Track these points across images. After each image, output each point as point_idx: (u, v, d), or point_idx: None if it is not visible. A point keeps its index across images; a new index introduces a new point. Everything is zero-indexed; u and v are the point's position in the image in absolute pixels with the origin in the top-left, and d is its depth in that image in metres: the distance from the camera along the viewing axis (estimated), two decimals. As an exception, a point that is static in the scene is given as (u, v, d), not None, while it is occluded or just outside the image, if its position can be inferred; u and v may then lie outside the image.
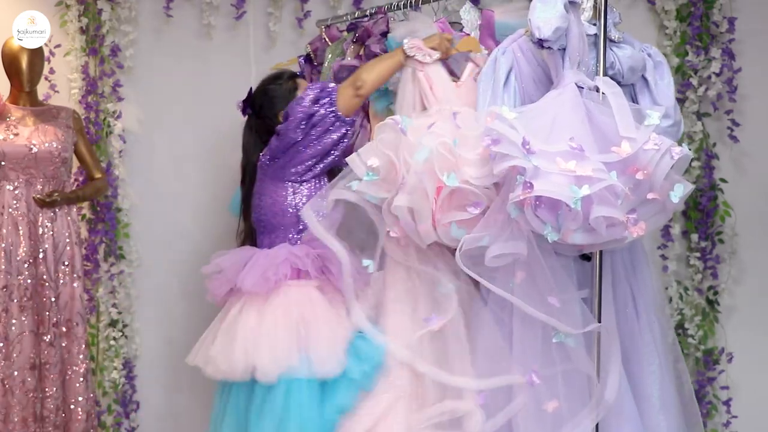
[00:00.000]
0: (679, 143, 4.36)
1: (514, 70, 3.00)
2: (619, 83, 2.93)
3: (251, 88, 3.40)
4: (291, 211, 3.18)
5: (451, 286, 3.00)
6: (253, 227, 3.33)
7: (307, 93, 3.16)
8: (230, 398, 3.13)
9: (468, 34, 3.36)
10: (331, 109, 3.12)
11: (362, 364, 2.98)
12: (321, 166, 3.20)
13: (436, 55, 3.14)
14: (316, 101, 3.12)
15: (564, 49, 2.85)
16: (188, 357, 3.25)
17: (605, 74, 2.90)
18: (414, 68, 3.15)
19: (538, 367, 2.90)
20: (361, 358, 2.99)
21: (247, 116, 3.39)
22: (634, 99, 3.08)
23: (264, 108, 3.32)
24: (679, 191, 2.73)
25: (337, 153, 3.19)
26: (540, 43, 2.81)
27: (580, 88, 2.85)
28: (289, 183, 3.19)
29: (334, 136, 3.15)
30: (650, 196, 2.73)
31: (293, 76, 3.39)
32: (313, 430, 2.94)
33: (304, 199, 3.17)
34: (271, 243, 3.22)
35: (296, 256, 3.10)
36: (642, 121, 2.74)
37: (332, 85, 3.19)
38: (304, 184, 3.19)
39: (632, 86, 3.06)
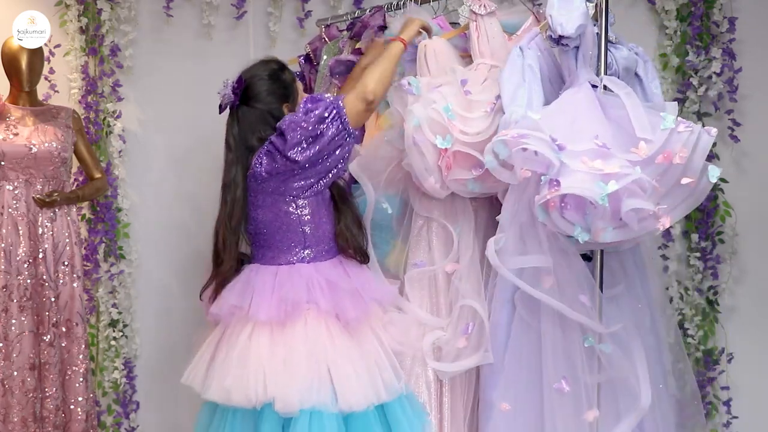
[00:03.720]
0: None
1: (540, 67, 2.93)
2: None
3: (239, 78, 3.07)
4: (296, 227, 2.94)
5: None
6: (238, 237, 3.05)
7: (309, 109, 2.84)
8: (234, 423, 2.90)
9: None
10: (342, 128, 2.85)
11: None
12: (324, 182, 2.93)
13: (493, 6, 3.08)
14: (321, 120, 2.83)
15: (578, 47, 2.79)
16: (185, 377, 3.04)
17: (605, 74, 2.88)
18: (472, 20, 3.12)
19: (573, 374, 2.83)
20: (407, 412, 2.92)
21: (231, 112, 3.05)
22: None
23: (261, 98, 3.00)
24: (715, 171, 2.62)
25: (342, 167, 2.94)
26: (558, 41, 2.74)
27: (594, 86, 2.80)
28: (291, 198, 2.92)
29: (344, 152, 2.90)
30: (685, 180, 2.64)
31: (283, 66, 3.10)
32: None
33: (308, 214, 2.93)
34: (272, 258, 2.97)
35: (311, 282, 2.90)
36: (656, 123, 2.67)
37: (339, 101, 2.86)
38: (308, 199, 2.93)
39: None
